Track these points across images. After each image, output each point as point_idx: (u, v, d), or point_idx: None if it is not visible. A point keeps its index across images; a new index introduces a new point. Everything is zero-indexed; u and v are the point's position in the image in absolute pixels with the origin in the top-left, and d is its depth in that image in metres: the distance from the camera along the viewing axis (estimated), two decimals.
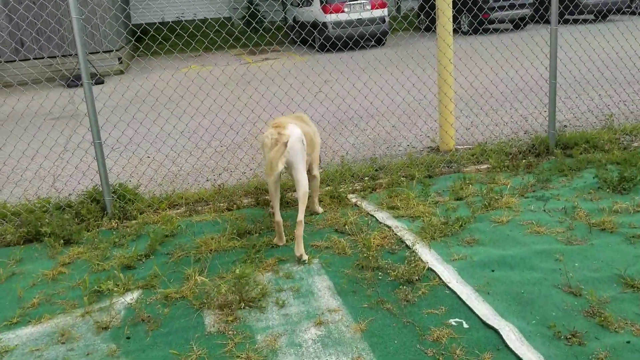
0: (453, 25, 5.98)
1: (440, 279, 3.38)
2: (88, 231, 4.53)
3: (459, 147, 6.25)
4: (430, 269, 3.49)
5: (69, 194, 5.61)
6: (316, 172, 4.45)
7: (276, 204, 3.97)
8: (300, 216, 3.75)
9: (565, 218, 4.10)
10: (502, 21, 18.92)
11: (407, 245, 3.83)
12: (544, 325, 2.89)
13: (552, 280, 3.29)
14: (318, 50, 16.70)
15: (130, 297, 3.43)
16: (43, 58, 14.14)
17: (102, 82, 13.55)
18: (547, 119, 5.79)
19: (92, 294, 3.45)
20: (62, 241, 4.30)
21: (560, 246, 3.68)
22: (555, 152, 5.61)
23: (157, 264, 3.85)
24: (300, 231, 3.74)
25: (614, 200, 4.30)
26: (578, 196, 4.47)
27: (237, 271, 3.27)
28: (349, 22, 16.95)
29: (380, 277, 3.44)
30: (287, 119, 4.06)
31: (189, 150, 6.71)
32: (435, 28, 6.08)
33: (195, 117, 6.66)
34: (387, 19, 18.13)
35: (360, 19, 17.35)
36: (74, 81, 12.40)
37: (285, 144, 3.70)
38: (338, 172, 5.46)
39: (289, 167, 3.81)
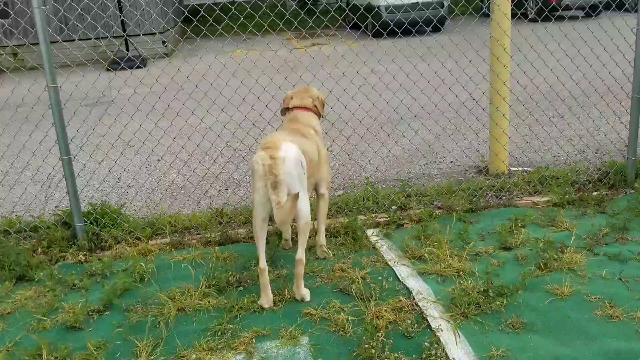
0: (514, 9, 4.87)
1: None
2: (52, 264, 3.81)
3: (513, 169, 5.17)
4: None
5: (55, 207, 4.91)
6: (324, 190, 3.64)
7: (261, 246, 3.12)
8: (300, 253, 3.12)
9: None
10: (575, 6, 17.14)
11: (429, 325, 2.87)
12: None
13: None
14: (372, 36, 15.55)
15: None
16: (89, 39, 13.68)
17: (145, 66, 12.98)
18: (627, 141, 4.63)
19: None
20: (14, 279, 3.59)
21: None
22: (635, 186, 4.46)
23: (109, 324, 3.06)
24: (300, 270, 3.14)
25: None
26: None
27: None
28: (404, 7, 15.73)
29: None
30: (281, 136, 3.26)
31: (206, 152, 5.89)
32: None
33: (213, 111, 5.73)
34: (446, 3, 16.80)
35: (416, 3, 16.13)
36: (116, 63, 11.88)
37: (296, 198, 2.90)
38: (360, 198, 4.52)
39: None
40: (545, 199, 4.49)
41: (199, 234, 4.18)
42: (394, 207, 4.48)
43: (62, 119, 3.83)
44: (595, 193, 4.45)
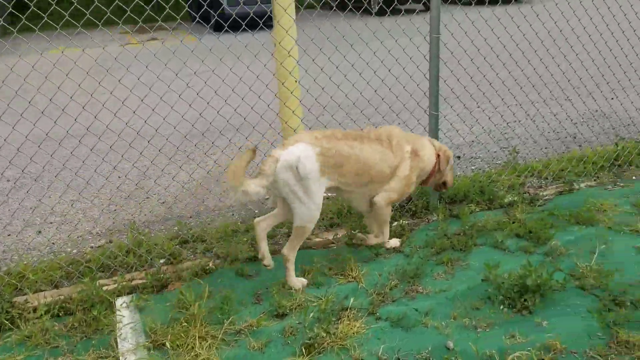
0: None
1: None
2: None
3: None
4: None
5: None
6: (379, 198, 3.40)
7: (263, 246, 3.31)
8: (286, 249, 3.23)
9: None
10: (405, 2, 17.30)
11: None
12: None
13: None
14: (212, 31, 14.48)
15: None
16: None
17: None
18: None
19: None
20: None
21: None
22: (437, 211, 4.01)
23: None
24: (286, 264, 3.23)
25: (508, 330, 2.69)
26: (456, 319, 2.83)
27: None
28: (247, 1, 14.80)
29: None
30: (309, 136, 3.17)
31: None
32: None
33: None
34: None
35: None
36: None
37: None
38: (123, 250, 3.62)
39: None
40: (343, 233, 3.88)
41: None
42: (162, 261, 3.63)
43: None
44: (395, 224, 3.92)
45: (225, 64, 4.16)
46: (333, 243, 3.81)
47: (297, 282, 3.21)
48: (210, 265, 3.53)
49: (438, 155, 3.56)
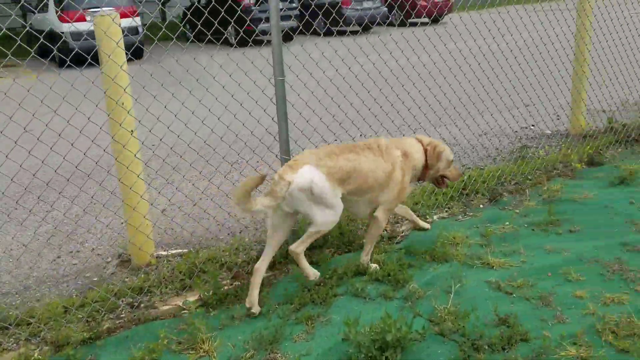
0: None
1: None
2: None
3: (161, 254, 4.11)
4: None
5: None
6: (380, 213, 3.55)
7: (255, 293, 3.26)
8: (294, 244, 3.33)
9: None
10: (265, 33, 17.49)
11: None
12: None
13: None
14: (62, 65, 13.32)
15: None
16: None
17: None
18: None
19: None
20: None
21: None
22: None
23: None
24: (296, 258, 3.37)
25: None
26: None
27: None
28: (92, 34, 13.91)
29: None
30: (312, 156, 3.25)
31: None
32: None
33: None
34: (140, 30, 15.49)
35: None
36: None
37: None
38: None
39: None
40: (196, 297, 3.52)
41: None
42: None
43: None
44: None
45: (51, 110, 3.63)
46: (185, 309, 3.44)
47: (312, 272, 3.39)
48: (36, 354, 3.00)
49: (426, 151, 3.65)
